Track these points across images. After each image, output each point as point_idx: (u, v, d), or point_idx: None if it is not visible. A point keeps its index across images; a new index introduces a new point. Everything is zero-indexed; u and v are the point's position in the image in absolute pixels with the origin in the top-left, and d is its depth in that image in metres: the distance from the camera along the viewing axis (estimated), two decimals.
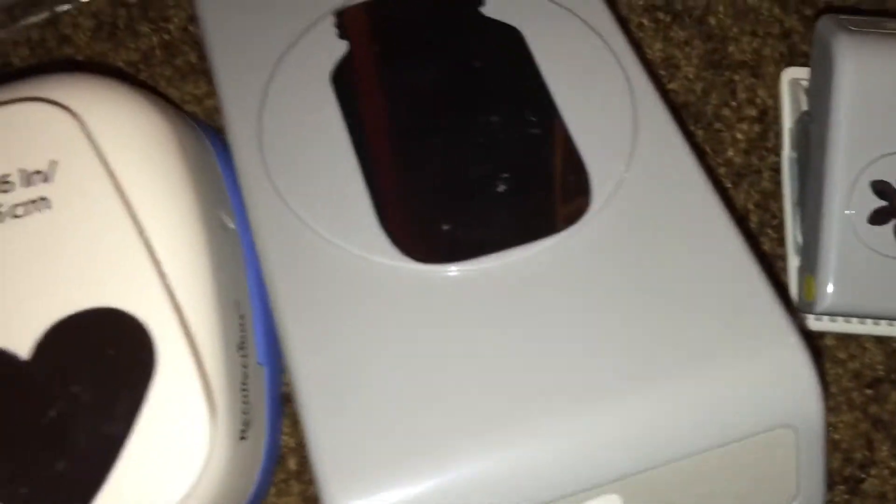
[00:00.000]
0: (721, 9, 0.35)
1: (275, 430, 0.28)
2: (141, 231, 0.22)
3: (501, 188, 0.25)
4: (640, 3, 0.35)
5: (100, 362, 0.21)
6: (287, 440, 0.29)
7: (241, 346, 0.26)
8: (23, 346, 0.21)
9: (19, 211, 0.22)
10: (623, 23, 0.30)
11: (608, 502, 0.21)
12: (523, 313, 0.22)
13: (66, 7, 0.34)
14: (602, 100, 0.26)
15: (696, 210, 0.24)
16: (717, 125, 0.33)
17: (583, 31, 0.27)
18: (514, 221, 0.24)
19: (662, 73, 0.34)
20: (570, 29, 0.27)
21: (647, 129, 0.25)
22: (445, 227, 0.24)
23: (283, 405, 0.29)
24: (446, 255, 0.23)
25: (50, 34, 0.34)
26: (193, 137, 0.28)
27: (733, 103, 0.33)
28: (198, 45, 0.33)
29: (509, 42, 0.27)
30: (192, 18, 0.34)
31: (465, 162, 0.25)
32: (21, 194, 0.23)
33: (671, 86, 0.34)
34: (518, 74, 0.27)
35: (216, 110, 0.32)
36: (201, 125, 0.29)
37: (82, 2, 0.34)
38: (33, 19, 0.34)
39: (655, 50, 0.34)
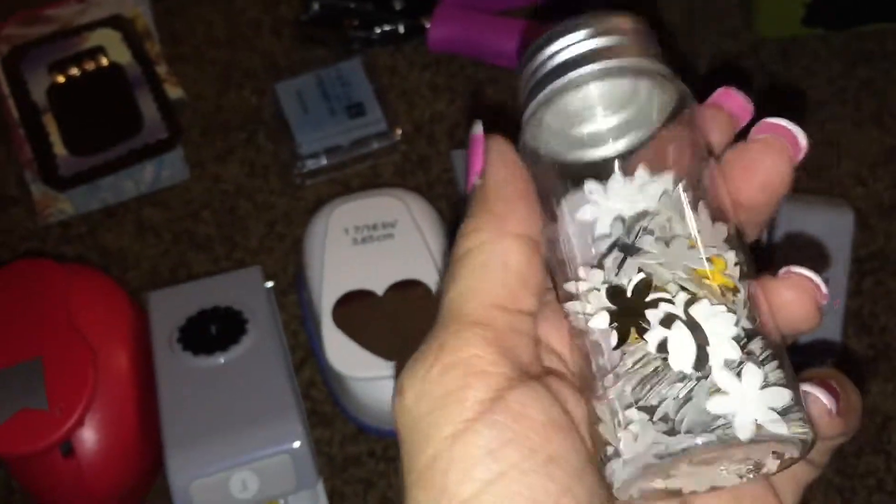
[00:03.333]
0: None
1: None
2: (428, 245, 0.52)
3: None
4: None
5: (409, 297, 0.50)
6: None
7: None
8: (379, 289, 0.51)
9: (380, 237, 0.53)
10: None
11: None
12: None
13: (377, 145, 0.65)
14: None
15: None
16: None
17: None
18: None
19: None
20: None
21: None
22: None
23: None
24: None
25: (370, 172, 0.65)
26: (439, 216, 0.58)
27: None
28: (450, 180, 0.64)
29: None
30: (447, 170, 0.64)
31: None
32: (381, 231, 0.53)
33: None
34: None
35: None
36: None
37: (393, 141, 0.65)
38: (363, 165, 0.65)
39: None
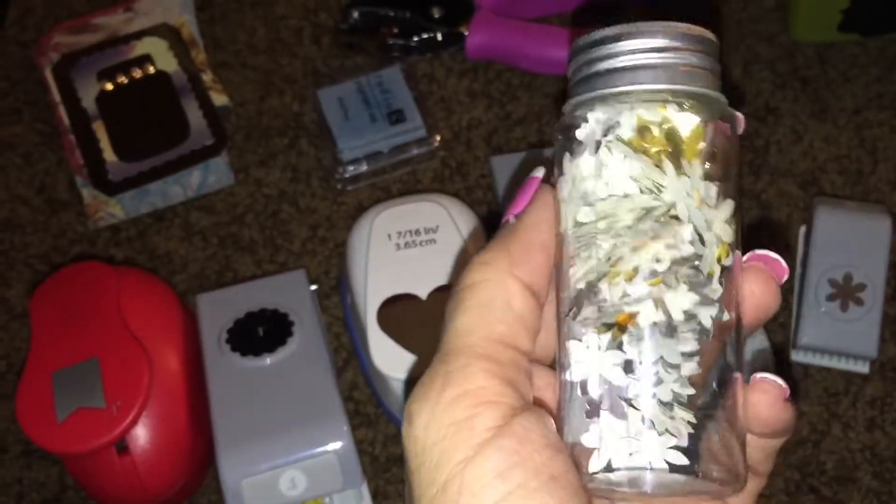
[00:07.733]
0: None
1: None
2: (469, 251, 0.53)
3: None
4: None
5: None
6: None
7: None
8: (423, 293, 0.52)
9: (423, 242, 0.54)
10: None
11: None
12: None
13: (416, 151, 0.67)
14: None
15: None
16: None
17: None
18: None
19: None
20: None
21: None
22: None
23: None
24: None
25: (410, 178, 0.66)
26: (479, 221, 0.59)
27: None
28: (488, 186, 0.65)
29: None
30: (485, 175, 0.65)
31: None
32: (423, 237, 0.54)
33: None
34: None
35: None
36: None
37: (432, 147, 0.67)
38: (402, 171, 0.67)
39: None
